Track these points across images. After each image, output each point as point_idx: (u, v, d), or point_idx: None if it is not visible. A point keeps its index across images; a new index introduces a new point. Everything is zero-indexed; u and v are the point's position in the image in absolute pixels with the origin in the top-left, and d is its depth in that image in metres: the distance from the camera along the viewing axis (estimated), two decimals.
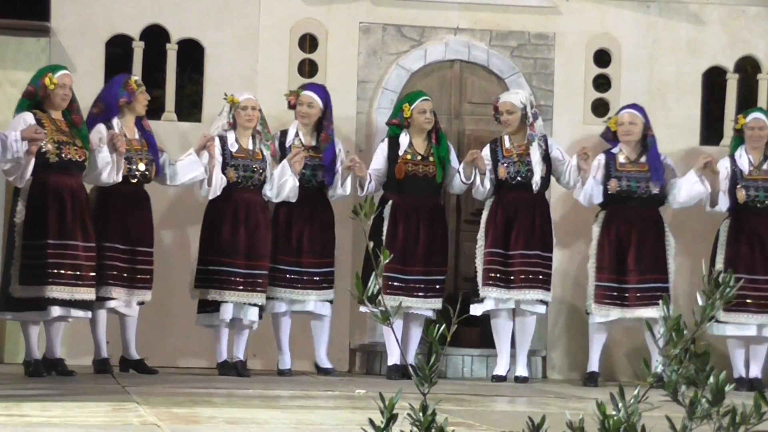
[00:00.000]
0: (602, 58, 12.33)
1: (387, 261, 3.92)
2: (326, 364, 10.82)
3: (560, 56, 12.23)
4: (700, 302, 3.80)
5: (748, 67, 12.54)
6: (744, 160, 11.07)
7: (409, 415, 3.69)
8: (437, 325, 3.86)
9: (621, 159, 10.91)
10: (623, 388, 3.73)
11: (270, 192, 10.66)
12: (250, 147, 10.64)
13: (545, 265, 10.95)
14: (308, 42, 12.05)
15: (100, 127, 10.02)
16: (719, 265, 10.89)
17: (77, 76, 10.57)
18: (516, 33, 12.16)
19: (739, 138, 11.17)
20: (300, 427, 6.26)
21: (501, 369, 10.89)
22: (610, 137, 11.07)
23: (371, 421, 3.71)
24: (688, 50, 12.38)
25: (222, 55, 11.84)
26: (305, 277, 10.70)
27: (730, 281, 3.75)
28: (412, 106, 10.91)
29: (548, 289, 10.99)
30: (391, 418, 3.70)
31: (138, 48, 11.77)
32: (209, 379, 10.09)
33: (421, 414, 3.69)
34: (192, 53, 11.99)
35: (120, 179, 9.99)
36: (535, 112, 11.10)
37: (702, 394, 3.68)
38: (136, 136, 10.26)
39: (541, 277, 10.90)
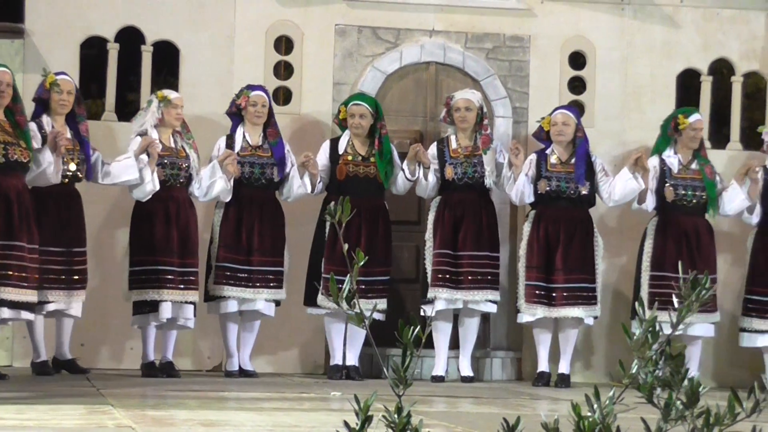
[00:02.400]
0: (577, 60, 12.36)
1: (362, 263, 3.93)
2: (248, 365, 10.83)
3: (535, 58, 12.24)
4: (676, 304, 3.81)
5: (723, 69, 12.54)
6: (674, 158, 11.16)
7: (384, 416, 3.68)
8: (411, 327, 3.87)
9: (552, 159, 10.96)
10: (598, 390, 3.74)
11: (197, 191, 10.66)
12: (173, 145, 10.62)
13: (493, 265, 11.02)
14: (284, 44, 12.03)
15: (32, 126, 9.99)
16: (645, 264, 11.01)
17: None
18: (491, 35, 12.17)
19: (668, 137, 11.25)
20: (276, 429, 6.25)
21: (440, 369, 10.95)
22: (543, 137, 11.11)
23: (346, 423, 3.71)
24: (662, 52, 12.42)
25: (197, 57, 11.80)
26: (255, 276, 10.67)
27: (706, 283, 3.75)
28: (348, 108, 10.98)
29: (497, 289, 11.03)
30: (366, 420, 3.70)
31: (113, 50, 11.72)
32: (181, 381, 10.04)
33: (396, 415, 3.69)
34: (167, 55, 11.93)
35: (59, 179, 9.98)
36: (486, 113, 11.21)
37: (677, 396, 3.68)
38: (68, 136, 10.14)
39: (489, 277, 10.96)
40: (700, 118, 11.29)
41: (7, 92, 9.70)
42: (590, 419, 3.69)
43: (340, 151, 10.91)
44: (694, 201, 11.05)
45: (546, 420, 3.73)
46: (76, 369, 10.24)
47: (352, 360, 10.92)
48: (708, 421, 3.65)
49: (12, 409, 6.97)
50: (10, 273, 9.55)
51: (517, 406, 8.11)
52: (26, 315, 9.84)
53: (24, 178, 9.79)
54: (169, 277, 10.44)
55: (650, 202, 11.08)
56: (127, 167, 10.27)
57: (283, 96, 11.87)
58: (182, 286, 10.47)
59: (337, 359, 10.93)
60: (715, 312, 10.85)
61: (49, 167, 9.86)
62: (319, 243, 10.81)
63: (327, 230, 10.68)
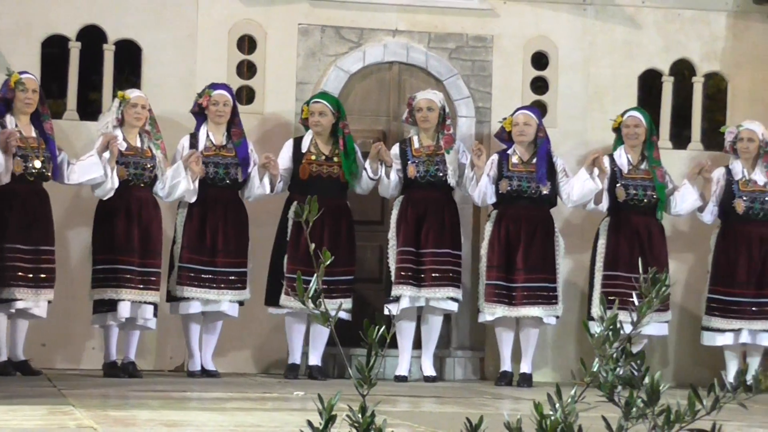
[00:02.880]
0: (540, 60, 12.38)
1: (328, 262, 3.94)
2: (211, 365, 10.87)
3: (498, 58, 12.25)
4: (636, 302, 3.83)
5: (684, 70, 12.59)
6: (623, 159, 11.25)
7: (348, 416, 3.69)
8: (377, 327, 3.89)
9: (514, 159, 11.01)
10: (560, 389, 3.76)
11: (162, 191, 10.67)
12: (139, 145, 10.62)
13: (455, 263, 11.06)
14: (247, 43, 12.05)
15: None
16: (599, 264, 11.10)
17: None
18: (454, 35, 12.19)
19: (621, 137, 11.33)
20: (238, 430, 6.28)
21: (403, 369, 11.00)
22: (505, 137, 11.16)
23: (310, 423, 3.72)
24: (624, 53, 12.47)
25: (160, 57, 11.79)
26: (219, 277, 10.69)
27: (660, 280, 3.78)
28: (310, 107, 11.02)
29: (459, 287, 11.07)
30: (330, 420, 3.71)
31: (74, 48, 11.69)
32: (144, 382, 10.04)
33: (360, 415, 3.70)
34: (130, 54, 11.91)
35: (9, 179, 9.97)
36: (448, 113, 11.27)
37: (638, 395, 3.70)
38: (33, 134, 10.20)
39: (451, 274, 11.01)
40: (633, 115, 11.38)
41: None
42: (552, 418, 3.71)
43: (303, 150, 10.92)
44: (645, 201, 11.13)
45: (508, 419, 3.75)
46: (28, 371, 10.20)
47: (315, 360, 10.93)
48: (668, 419, 3.67)
49: None
50: None
51: (480, 406, 8.13)
52: None
53: None
54: (128, 276, 10.43)
55: (605, 202, 11.16)
56: (91, 165, 10.29)
57: (247, 95, 11.89)
58: (141, 286, 10.46)
59: (295, 358, 10.97)
60: (667, 311, 10.96)
61: None
62: (280, 243, 10.85)
63: (289, 230, 10.73)
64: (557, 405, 3.73)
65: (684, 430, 3.71)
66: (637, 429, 3.73)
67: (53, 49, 11.69)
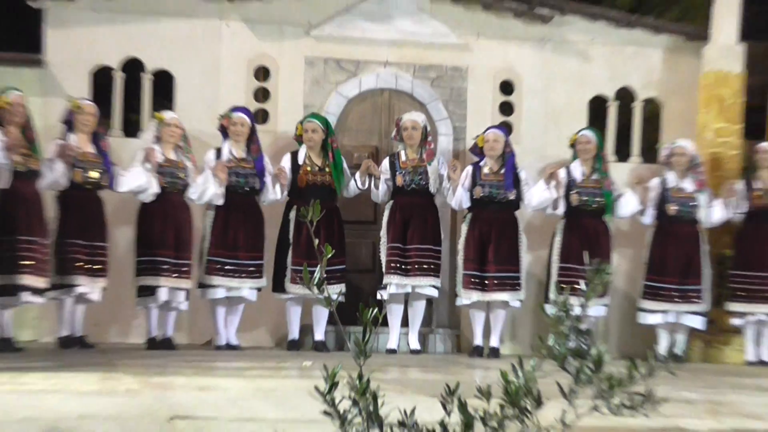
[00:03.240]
0: (506, 87, 12.41)
1: (330, 254, 4.13)
2: (235, 340, 10.95)
3: (472, 86, 12.31)
4: (583, 288, 4.01)
5: (626, 97, 12.65)
6: (578, 170, 11.28)
7: (348, 382, 3.86)
8: (371, 309, 4.05)
9: (485, 170, 11.00)
10: (522, 360, 3.93)
11: (193, 195, 10.72)
12: (174, 158, 10.66)
13: (436, 256, 11.09)
14: (262, 73, 12.07)
15: (57, 141, 10.10)
16: (555, 257, 11.18)
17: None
18: (435, 66, 12.23)
19: (576, 153, 11.43)
20: (257, 393, 6.24)
21: (392, 343, 11.07)
22: (477, 152, 11.16)
23: (317, 388, 3.88)
24: (576, 82, 12.54)
25: (189, 84, 11.85)
26: (241, 268, 10.74)
27: (602, 270, 3.97)
28: (303, 126, 11.08)
29: (438, 276, 11.10)
30: (334, 385, 3.85)
31: (118, 77, 11.76)
32: (179, 353, 10.04)
33: (357, 381, 3.86)
34: (164, 82, 11.96)
35: (66, 184, 10.08)
36: (429, 131, 11.35)
37: (585, 364, 3.88)
38: (91, 150, 10.26)
39: (432, 266, 11.04)
40: (585, 134, 11.47)
41: (20, 112, 9.69)
42: (515, 384, 3.89)
43: (300, 162, 10.94)
44: (594, 206, 11.18)
45: (480, 385, 3.92)
46: (85, 345, 10.27)
47: (320, 336, 11.02)
48: (611, 384, 3.84)
49: (39, 375, 7.01)
50: (28, 263, 9.58)
51: (457, 374, 8.14)
52: (38, 300, 9.87)
53: (37, 184, 9.84)
54: (165, 267, 10.49)
55: (561, 207, 11.24)
56: (136, 175, 10.41)
57: (262, 117, 11.86)
58: (176, 275, 10.54)
59: (294, 335, 11.08)
60: (606, 296, 11.05)
61: (58, 174, 9.99)
62: (283, 239, 10.90)
63: (291, 229, 10.83)
64: (520, 373, 3.90)
65: (624, 394, 3.89)
66: (585, 392, 3.91)
67: (101, 78, 11.72)
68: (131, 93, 11.97)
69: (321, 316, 11.02)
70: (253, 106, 11.78)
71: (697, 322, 11.41)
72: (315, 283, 4.21)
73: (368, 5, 12.14)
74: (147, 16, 11.91)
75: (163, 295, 10.56)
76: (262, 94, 12.10)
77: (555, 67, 12.52)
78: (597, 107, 12.63)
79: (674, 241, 11.37)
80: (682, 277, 11.30)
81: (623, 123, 12.71)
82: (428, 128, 11.37)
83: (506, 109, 12.43)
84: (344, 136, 11.94)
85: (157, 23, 11.92)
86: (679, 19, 15.63)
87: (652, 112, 12.76)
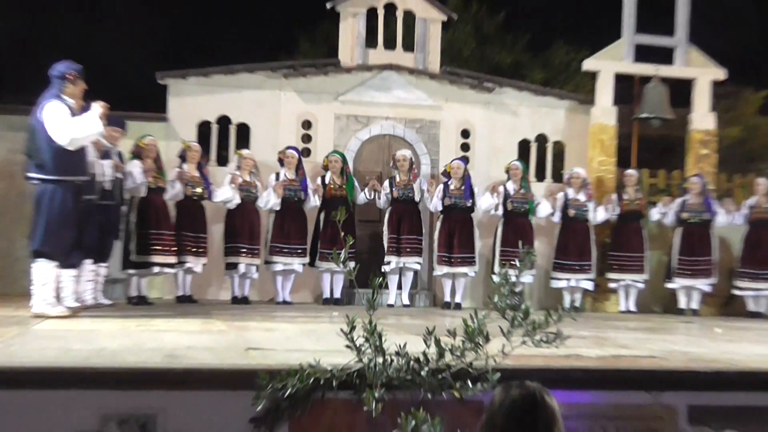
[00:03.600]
0: (465, 133, 12.34)
1: (351, 243, 4.08)
2: (288, 298, 10.81)
3: (443, 132, 12.24)
4: (517, 264, 3.95)
5: (542, 139, 12.60)
6: (511, 187, 11.16)
7: (362, 326, 3.81)
8: (378, 278, 4.00)
9: (452, 187, 10.85)
10: (476, 311, 3.86)
11: (261, 204, 10.62)
12: (249, 180, 10.58)
13: (419, 243, 10.98)
14: (307, 124, 11.99)
15: (176, 169, 10.17)
16: (498, 244, 11.05)
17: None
18: (419, 120, 12.15)
19: (509, 175, 11.29)
20: (302, 332, 6.24)
21: (391, 300, 10.91)
22: (446, 175, 11.02)
23: (342, 329, 3.83)
24: (510, 129, 12.46)
25: (259, 131, 11.81)
26: (292, 250, 10.64)
27: (529, 253, 3.92)
28: (328, 158, 11.03)
29: (420, 256, 11.01)
30: (353, 328, 3.81)
31: (214, 128, 11.77)
32: (252, 307, 9.99)
33: (369, 325, 3.82)
34: (244, 130, 11.92)
35: (182, 197, 10.12)
36: (414, 162, 11.27)
37: (517, 314, 3.83)
38: (197, 174, 10.27)
39: (417, 250, 10.94)
40: (515, 163, 11.40)
41: (152, 150, 9.70)
42: (472, 327, 3.83)
43: (327, 182, 10.87)
44: (522, 210, 11.08)
45: (449, 327, 3.86)
46: (193, 301, 10.24)
47: (338, 294, 10.97)
48: (534, 327, 3.80)
49: (162, 320, 7.04)
50: (158, 247, 9.64)
51: (434, 320, 8.12)
52: (166, 271, 9.94)
53: (164, 197, 9.89)
54: (243, 250, 10.47)
55: (500, 211, 11.13)
56: (226, 191, 10.42)
57: (306, 152, 11.76)
58: (250, 256, 10.51)
59: (326, 295, 10.97)
60: (532, 269, 10.90)
61: (176, 190, 10.06)
62: (315, 231, 10.84)
63: (321, 225, 10.77)
64: (475, 320, 3.85)
65: (542, 333, 3.83)
66: (517, 332, 3.85)
67: (203, 128, 11.69)
68: (222, 137, 11.91)
69: (340, 282, 10.97)
70: (301, 145, 11.69)
71: (588, 285, 11.38)
72: (341, 260, 4.19)
73: (375, 81, 12.08)
74: (233, 89, 11.87)
75: (242, 268, 10.52)
76: (306, 138, 12.01)
77: (496, 120, 12.45)
78: (523, 146, 12.54)
79: (573, 233, 11.34)
80: (578, 257, 11.26)
81: (540, 157, 12.62)
82: (413, 160, 11.29)
83: (465, 147, 12.33)
84: (359, 165, 11.86)
85: (239, 93, 11.88)
86: (575, 90, 15.73)
87: (559, 149, 12.74)
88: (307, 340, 5.63)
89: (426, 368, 3.73)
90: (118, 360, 4.16)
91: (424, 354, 3.79)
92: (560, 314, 3.78)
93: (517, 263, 3.90)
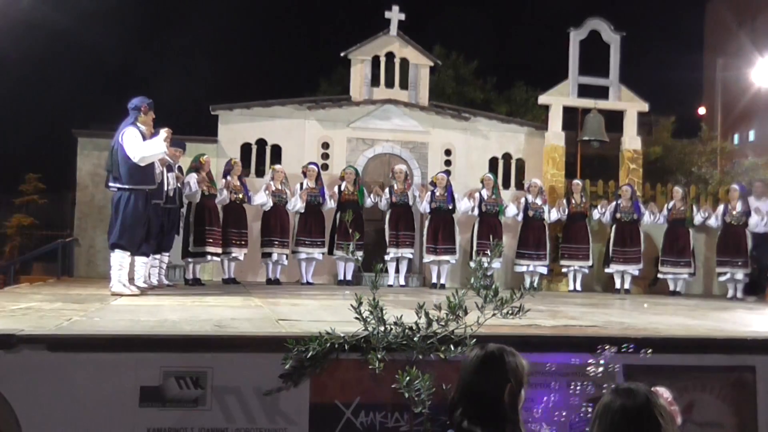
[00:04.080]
0: (448, 152, 12.23)
1: (357, 238, 4.01)
2: (311, 280, 10.66)
3: (431, 152, 12.14)
4: (488, 254, 3.89)
5: (508, 157, 12.56)
6: (485, 193, 11.02)
7: (368, 302, 3.77)
8: (380, 265, 3.96)
9: (437, 194, 10.75)
10: (457, 290, 3.82)
11: (290, 207, 10.52)
12: (280, 188, 10.49)
13: (412, 237, 10.88)
14: (325, 145, 11.90)
15: (222, 181, 10.09)
16: (475, 237, 10.88)
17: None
18: (412, 141, 12.07)
19: (484, 185, 11.15)
20: (322, 307, 6.19)
21: (390, 281, 10.76)
22: (433, 184, 10.91)
23: (351, 305, 3.79)
24: (482, 149, 12.36)
25: (289, 151, 11.73)
26: (314, 243, 10.57)
27: (498, 245, 3.86)
28: (344, 171, 10.94)
29: (413, 247, 10.90)
30: (360, 303, 3.77)
31: (253, 148, 11.70)
32: (282, 288, 9.91)
33: (373, 300, 3.77)
34: (277, 150, 11.85)
35: (227, 201, 10.02)
36: (408, 174, 11.19)
37: (489, 292, 3.77)
38: (238, 183, 10.16)
39: (411, 243, 10.85)
40: (488, 175, 11.28)
41: (207, 165, 9.62)
42: (454, 302, 3.78)
43: (342, 189, 10.75)
44: (493, 212, 10.97)
45: (436, 303, 3.82)
46: (236, 282, 10.14)
47: (350, 277, 10.86)
48: (502, 302, 3.74)
49: (212, 297, 7.01)
50: (210, 240, 9.54)
51: (423, 297, 7.99)
52: (215, 258, 9.86)
53: (214, 201, 9.76)
54: (276, 242, 10.41)
55: (476, 212, 11.04)
56: (262, 196, 10.36)
57: (325, 167, 11.65)
58: (281, 247, 10.45)
59: (340, 277, 10.89)
60: (500, 257, 10.86)
61: (224, 196, 9.96)
62: (333, 228, 10.71)
63: (337, 223, 10.64)
64: (456, 297, 3.80)
65: (509, 307, 3.78)
66: (489, 307, 3.79)
67: (245, 148, 11.66)
68: (260, 155, 11.86)
69: (350, 267, 10.87)
70: (320, 162, 11.61)
71: (544, 270, 11.28)
72: (351, 251, 4.14)
73: (378, 112, 12.02)
74: (268, 117, 11.82)
75: (275, 257, 10.46)
76: (325, 156, 11.92)
77: (472, 142, 12.36)
78: (493, 162, 12.46)
79: (532, 229, 11.20)
80: (535, 248, 11.16)
81: (506, 170, 12.57)
82: (408, 173, 11.23)
83: (448, 163, 12.24)
84: (366, 176, 11.75)
85: (273, 121, 11.82)
86: (532, 119, 15.69)
87: (520, 165, 12.66)
88: (325, 312, 5.58)
89: (418, 335, 3.71)
90: (177, 329, 4.16)
91: (416, 324, 3.76)
92: (522, 292, 3.74)
93: (488, 253, 3.85)
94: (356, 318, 3.74)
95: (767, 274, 10.54)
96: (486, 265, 3.78)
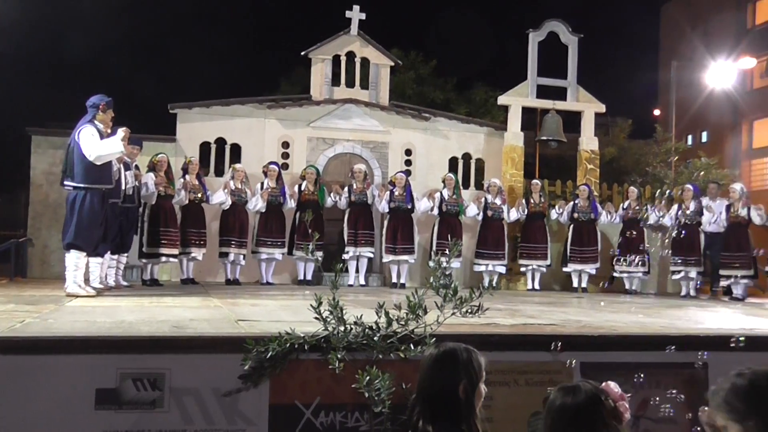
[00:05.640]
0: (408, 152, 12.27)
1: (317, 238, 4.00)
2: (271, 280, 10.62)
3: (391, 151, 12.16)
4: (447, 253, 3.90)
5: (468, 157, 12.64)
6: (446, 193, 11.07)
7: (328, 302, 3.75)
8: (340, 264, 3.93)
9: (396, 193, 10.79)
10: (417, 289, 3.82)
11: (250, 206, 10.44)
12: (240, 187, 10.40)
13: (372, 236, 10.88)
14: (286, 144, 11.85)
15: (180, 180, 9.94)
16: (434, 237, 10.91)
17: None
18: (372, 141, 12.08)
19: (445, 184, 11.22)
20: (281, 307, 6.16)
21: (351, 281, 10.72)
22: (392, 184, 10.93)
23: (311, 305, 3.77)
24: (442, 149, 12.42)
25: (249, 150, 11.64)
26: (274, 242, 10.53)
27: (457, 244, 3.86)
28: (305, 170, 10.90)
29: (373, 247, 10.89)
30: (320, 303, 3.75)
31: (212, 147, 11.59)
32: (242, 288, 9.82)
33: (333, 300, 3.76)
34: (237, 149, 11.76)
35: (186, 202, 9.88)
36: (367, 173, 11.12)
37: (448, 292, 3.78)
38: (196, 182, 10.02)
39: (370, 241, 10.85)
40: (449, 175, 11.32)
41: (163, 164, 9.46)
42: (414, 302, 3.79)
43: (302, 189, 10.70)
44: (453, 211, 11.03)
45: (396, 302, 3.82)
46: (194, 283, 10.03)
47: (309, 277, 10.82)
48: (461, 301, 3.76)
49: (170, 298, 6.94)
50: (165, 241, 9.43)
51: (383, 297, 8.03)
52: (172, 259, 9.74)
53: (171, 202, 9.63)
54: (234, 242, 10.31)
55: (436, 212, 11.09)
56: (220, 195, 10.26)
57: (285, 166, 11.62)
58: (239, 246, 10.36)
59: (300, 277, 10.84)
60: (459, 257, 10.96)
61: (181, 196, 9.82)
62: (292, 228, 10.66)
63: (297, 223, 10.59)
64: (416, 296, 3.81)
65: (468, 306, 3.79)
66: (449, 306, 3.80)
67: (204, 147, 11.55)
68: (219, 155, 11.76)
69: (310, 267, 10.82)
70: (281, 161, 11.57)
71: (502, 269, 11.38)
72: (310, 251, 4.11)
73: (339, 112, 12.01)
74: (228, 117, 11.74)
75: (232, 257, 10.37)
76: (285, 155, 11.87)
77: (432, 142, 12.41)
78: (453, 162, 12.53)
79: (491, 229, 11.30)
80: (494, 247, 11.24)
81: (466, 170, 12.64)
82: (367, 173, 11.22)
83: (408, 163, 12.29)
84: (327, 176, 11.72)
85: (233, 120, 11.75)
86: (491, 119, 15.78)
87: (480, 165, 12.76)
88: (284, 313, 5.55)
89: (378, 334, 3.70)
90: (134, 330, 4.09)
91: (377, 323, 3.75)
92: (481, 291, 3.75)
93: (447, 252, 3.86)
94: (316, 318, 3.72)
95: (719, 272, 10.76)
96: (445, 264, 3.78)
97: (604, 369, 3.94)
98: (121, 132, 6.90)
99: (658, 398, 4.12)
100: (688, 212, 11.11)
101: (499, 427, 3.85)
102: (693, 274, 11.01)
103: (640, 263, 11.36)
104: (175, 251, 9.66)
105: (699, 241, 11.02)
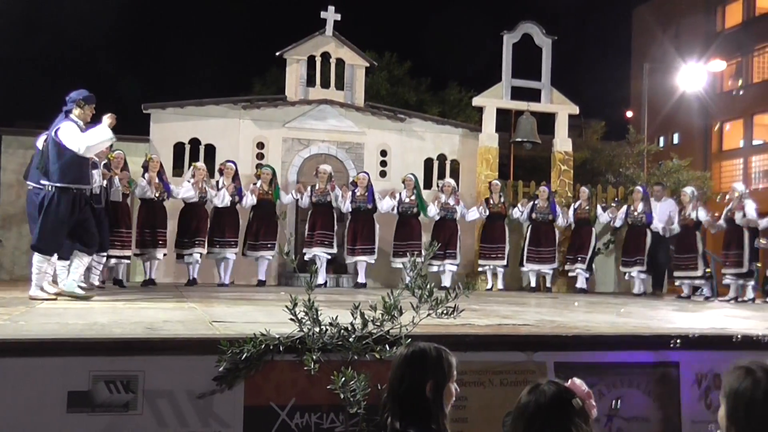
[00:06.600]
0: (384, 153, 12.26)
1: (290, 238, 3.95)
2: (226, 281, 10.31)
3: (366, 152, 12.15)
4: (423, 253, 3.90)
5: (443, 158, 12.66)
6: (404, 194, 11.05)
7: (302, 302, 3.74)
8: (314, 266, 3.90)
9: (358, 194, 10.70)
10: (392, 290, 3.82)
11: (216, 201, 10.17)
12: (201, 186, 10.06)
13: (332, 237, 10.60)
14: (261, 145, 11.80)
15: (144, 175, 9.70)
16: (396, 238, 10.90)
17: (164, 162, 10.45)
18: (348, 142, 12.05)
19: (405, 185, 11.17)
20: (256, 308, 6.14)
21: (320, 280, 10.32)
22: (354, 184, 10.85)
23: (286, 306, 3.75)
24: (417, 150, 12.42)
25: (223, 151, 11.55)
26: (227, 243, 10.26)
27: (434, 245, 3.87)
28: (261, 170, 10.75)
29: (333, 247, 10.62)
30: (296, 304, 3.74)
31: (187, 147, 11.49)
32: (219, 290, 9.74)
33: (308, 301, 3.75)
34: (211, 150, 11.70)
35: (152, 195, 9.64)
36: (332, 174, 10.87)
37: (424, 292, 3.78)
38: (157, 181, 9.71)
39: (330, 242, 10.58)
40: (409, 176, 11.17)
41: (120, 162, 9.12)
42: (389, 302, 3.78)
43: (258, 188, 10.50)
44: (413, 211, 10.95)
45: (372, 303, 3.82)
46: (154, 284, 9.78)
47: (262, 277, 10.62)
48: (437, 302, 3.76)
49: (143, 299, 6.87)
50: (117, 243, 9.09)
51: (354, 296, 8.05)
52: (125, 261, 9.41)
53: (126, 201, 9.33)
54: (190, 242, 10.02)
55: (395, 212, 10.99)
56: (188, 190, 10.00)
57: (259, 167, 11.48)
58: (197, 246, 10.06)
59: (262, 278, 10.60)
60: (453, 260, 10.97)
61: (145, 191, 9.64)
62: (246, 227, 10.48)
63: (249, 222, 10.43)
64: (392, 297, 3.80)
65: (444, 307, 3.79)
66: (424, 307, 3.80)
67: (179, 148, 11.48)
68: (194, 155, 11.57)
69: (264, 266, 10.62)
70: (255, 162, 11.51)
71: (454, 268, 11.17)
72: (285, 252, 4.08)
73: (314, 113, 11.96)
74: (202, 117, 11.67)
75: (195, 257, 10.11)
76: (260, 156, 11.80)
77: (407, 143, 12.41)
78: (428, 163, 12.56)
79: (444, 229, 11.07)
80: (447, 248, 11.01)
81: (441, 171, 12.63)
82: (332, 174, 10.94)
83: (384, 164, 12.29)
84: (301, 177, 11.66)
85: (207, 120, 11.67)
86: (466, 121, 15.88)
87: (455, 166, 12.78)
88: (259, 314, 5.53)
89: (353, 335, 3.69)
90: (106, 332, 4.04)
91: (352, 324, 3.75)
92: (458, 293, 3.75)
93: (408, 254, 3.85)
94: (291, 319, 3.71)
95: (665, 270, 10.99)
96: (420, 266, 3.78)
97: (577, 369, 3.97)
98: (107, 119, 6.73)
99: (630, 397, 4.16)
100: (635, 213, 11.32)
101: (474, 427, 3.86)
102: (635, 273, 11.29)
103: (582, 261, 11.52)
104: (128, 252, 9.37)
105: (645, 241, 11.24)
